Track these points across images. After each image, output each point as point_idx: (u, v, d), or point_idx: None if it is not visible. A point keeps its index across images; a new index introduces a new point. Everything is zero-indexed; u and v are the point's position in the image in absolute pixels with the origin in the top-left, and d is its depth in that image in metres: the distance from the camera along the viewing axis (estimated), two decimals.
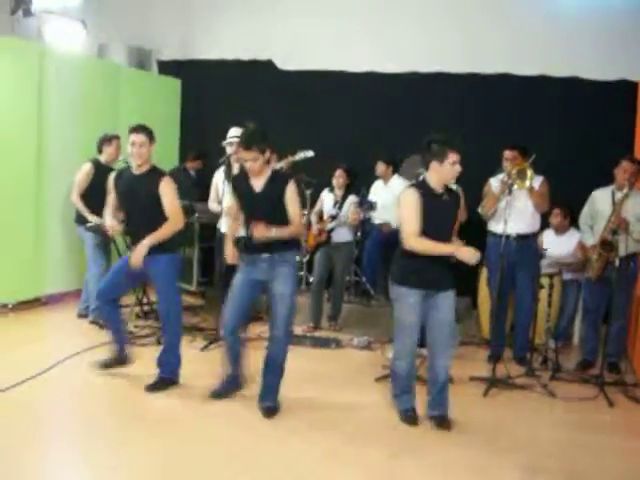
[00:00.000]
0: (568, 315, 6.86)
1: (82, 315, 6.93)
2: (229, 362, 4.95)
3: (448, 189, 4.58)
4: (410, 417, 4.66)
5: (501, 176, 6.07)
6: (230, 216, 4.94)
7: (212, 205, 6.69)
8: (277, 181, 4.66)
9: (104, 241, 6.80)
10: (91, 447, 4.13)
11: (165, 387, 5.09)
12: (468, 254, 4.28)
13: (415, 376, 4.79)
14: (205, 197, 7.04)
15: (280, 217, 4.60)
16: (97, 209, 6.68)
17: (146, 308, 7.05)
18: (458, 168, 4.45)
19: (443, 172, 4.43)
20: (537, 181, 5.93)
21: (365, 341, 6.56)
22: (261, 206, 4.63)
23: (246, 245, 4.71)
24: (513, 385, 5.46)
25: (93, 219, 6.62)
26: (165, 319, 5.22)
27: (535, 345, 5.98)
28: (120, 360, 5.35)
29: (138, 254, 4.87)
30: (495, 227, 6.08)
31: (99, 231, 6.62)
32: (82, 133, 7.57)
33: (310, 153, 6.74)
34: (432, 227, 4.40)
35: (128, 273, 5.03)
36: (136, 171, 5.03)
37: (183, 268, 5.40)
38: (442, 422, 4.59)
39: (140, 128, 5.00)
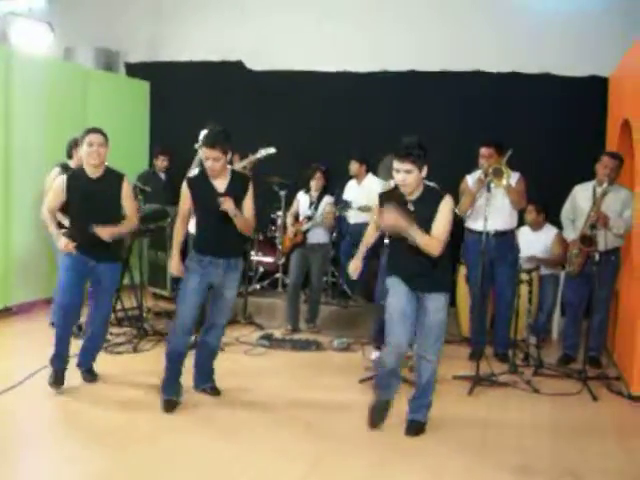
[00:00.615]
0: (547, 310, 6.87)
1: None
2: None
3: (427, 192, 4.33)
4: (373, 411, 4.57)
5: (477, 173, 6.05)
6: (182, 219, 4.84)
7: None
8: (239, 181, 4.77)
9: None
10: (62, 460, 3.99)
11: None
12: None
13: (398, 373, 4.60)
14: (176, 200, 6.91)
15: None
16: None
17: (120, 315, 6.90)
18: (401, 176, 4.18)
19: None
20: (514, 178, 5.93)
21: (345, 343, 6.50)
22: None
23: (199, 247, 4.78)
24: (497, 383, 5.44)
25: (66, 223, 6.45)
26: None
27: (516, 341, 5.97)
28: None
29: (107, 231, 4.84)
30: (473, 224, 6.08)
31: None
32: (49, 137, 7.41)
33: (272, 150, 6.64)
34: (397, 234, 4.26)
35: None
36: (92, 174, 4.92)
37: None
38: (412, 428, 4.47)
39: (96, 129, 4.94)
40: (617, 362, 6.00)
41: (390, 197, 4.38)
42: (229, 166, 4.80)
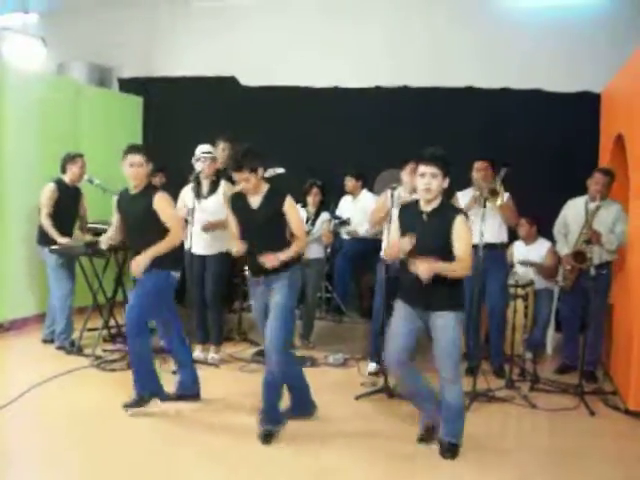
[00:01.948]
0: (542, 325, 6.87)
1: (47, 340, 6.71)
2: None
3: (443, 207, 4.28)
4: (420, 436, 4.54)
5: (469, 192, 6.05)
6: (232, 235, 4.79)
7: None
8: (273, 197, 4.61)
9: (68, 262, 6.60)
10: (55, 477, 3.96)
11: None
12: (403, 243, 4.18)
13: (421, 391, 4.50)
14: None
15: (277, 232, 4.59)
16: (62, 230, 6.51)
17: (114, 331, 6.85)
18: (426, 180, 4.14)
19: (417, 187, 4.28)
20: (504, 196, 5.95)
21: (341, 358, 6.47)
22: (258, 222, 4.57)
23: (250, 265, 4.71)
24: (494, 398, 5.42)
25: (63, 241, 6.42)
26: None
27: (512, 356, 5.96)
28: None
29: (137, 263, 4.75)
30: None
31: (65, 252, 6.43)
32: (42, 152, 7.37)
33: (280, 170, 6.66)
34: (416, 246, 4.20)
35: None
36: (133, 190, 4.99)
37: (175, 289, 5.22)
38: (444, 450, 4.36)
39: (136, 148, 5.03)
40: (613, 377, 5.99)
41: (408, 209, 4.38)
42: (265, 183, 4.66)
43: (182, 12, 9.20)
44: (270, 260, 4.43)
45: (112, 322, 6.85)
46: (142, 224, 4.90)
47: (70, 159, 6.61)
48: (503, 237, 6.14)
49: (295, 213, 4.64)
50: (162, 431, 4.67)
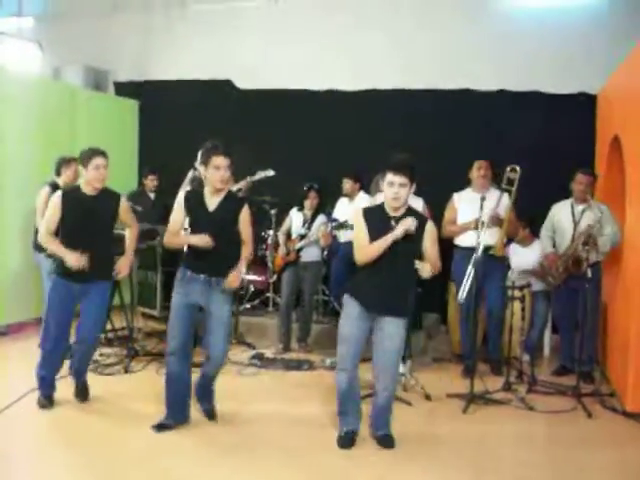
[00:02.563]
0: (539, 326, 6.86)
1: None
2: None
3: (410, 213, 4.36)
4: (343, 440, 4.55)
5: (466, 192, 6.05)
6: (172, 232, 4.73)
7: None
8: (231, 202, 4.68)
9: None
10: None
11: None
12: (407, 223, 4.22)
13: (357, 396, 4.64)
14: (165, 220, 6.88)
15: (228, 237, 4.62)
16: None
17: (110, 335, 6.84)
18: (394, 189, 4.24)
19: (384, 193, 4.36)
20: (504, 204, 5.99)
21: (337, 361, 6.44)
22: (212, 225, 4.57)
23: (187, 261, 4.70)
24: (491, 400, 5.41)
25: None
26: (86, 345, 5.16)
27: (510, 358, 5.94)
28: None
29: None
30: (462, 241, 6.10)
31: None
32: (39, 156, 7.37)
33: (270, 172, 6.63)
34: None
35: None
36: (90, 192, 4.94)
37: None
38: (384, 441, 4.52)
39: (101, 151, 5.02)
40: (610, 378, 5.99)
41: (373, 213, 4.42)
42: (229, 187, 4.75)
43: (178, 15, 9.18)
44: (235, 281, 4.57)
45: (108, 326, 6.83)
46: (105, 225, 5.01)
47: (65, 163, 6.59)
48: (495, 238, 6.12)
49: (248, 221, 4.72)
50: (159, 435, 4.64)
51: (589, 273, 5.51)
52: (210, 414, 4.93)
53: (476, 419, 5.10)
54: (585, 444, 4.71)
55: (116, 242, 5.19)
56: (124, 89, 9.46)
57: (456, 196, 6.23)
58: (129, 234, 5.28)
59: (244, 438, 4.64)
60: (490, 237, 5.90)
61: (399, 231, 4.20)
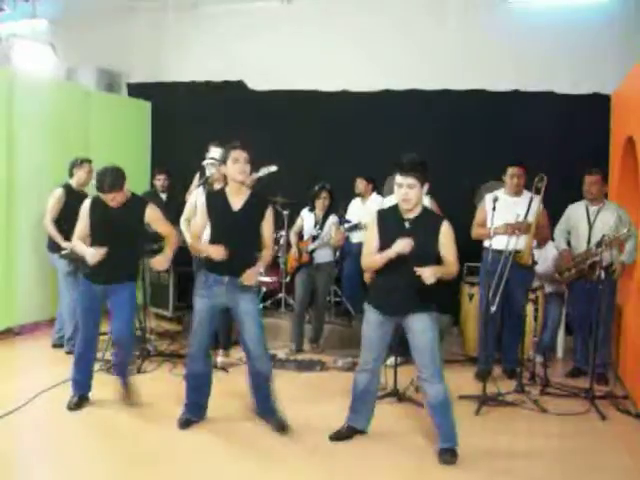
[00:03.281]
0: (552, 328, 6.82)
1: (57, 345, 6.72)
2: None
3: (425, 213, 4.34)
4: (338, 434, 4.61)
5: (499, 192, 6.00)
6: (193, 233, 4.78)
7: (184, 225, 6.45)
8: (256, 202, 4.64)
9: (78, 268, 6.60)
10: None
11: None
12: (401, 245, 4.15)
13: (372, 398, 4.66)
14: (177, 220, 6.89)
15: (252, 237, 4.63)
16: (69, 234, 6.50)
17: None
18: (403, 191, 4.19)
19: (396, 196, 4.31)
20: (536, 205, 5.89)
21: (349, 362, 6.44)
22: (237, 225, 4.58)
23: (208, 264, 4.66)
24: (504, 402, 5.39)
25: (67, 245, 6.44)
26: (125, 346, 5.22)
27: (522, 360, 5.91)
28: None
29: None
30: (492, 243, 5.94)
31: (74, 258, 6.44)
32: (52, 157, 7.40)
33: (273, 168, 6.60)
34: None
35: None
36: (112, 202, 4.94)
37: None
38: (442, 457, 4.34)
39: (107, 186, 4.87)
40: (624, 380, 5.94)
41: (388, 215, 4.38)
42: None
43: (190, 17, 9.22)
44: (251, 278, 4.54)
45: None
46: (129, 234, 5.01)
47: (77, 164, 6.63)
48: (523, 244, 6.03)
49: (271, 223, 4.69)
50: (171, 436, 4.66)
51: (602, 275, 5.47)
52: (279, 425, 4.78)
53: (488, 421, 5.08)
54: (598, 446, 4.68)
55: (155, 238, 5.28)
56: (137, 91, 9.50)
57: (488, 198, 6.02)
58: (167, 242, 5.26)
59: (257, 439, 4.64)
60: (520, 242, 5.81)
61: (392, 252, 4.15)
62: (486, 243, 5.96)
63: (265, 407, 4.85)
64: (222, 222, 4.61)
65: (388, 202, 5.81)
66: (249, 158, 4.52)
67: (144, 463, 4.23)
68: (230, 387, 5.60)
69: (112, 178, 4.78)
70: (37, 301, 7.41)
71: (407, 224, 4.26)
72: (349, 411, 4.68)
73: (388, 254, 4.17)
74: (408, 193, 4.18)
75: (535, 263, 6.16)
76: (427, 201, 6.13)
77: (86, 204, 5.04)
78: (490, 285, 5.59)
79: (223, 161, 4.58)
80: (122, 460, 4.25)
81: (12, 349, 6.83)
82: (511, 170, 6.02)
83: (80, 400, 5.11)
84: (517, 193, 6.01)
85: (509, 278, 5.64)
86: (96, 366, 6.03)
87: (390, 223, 4.33)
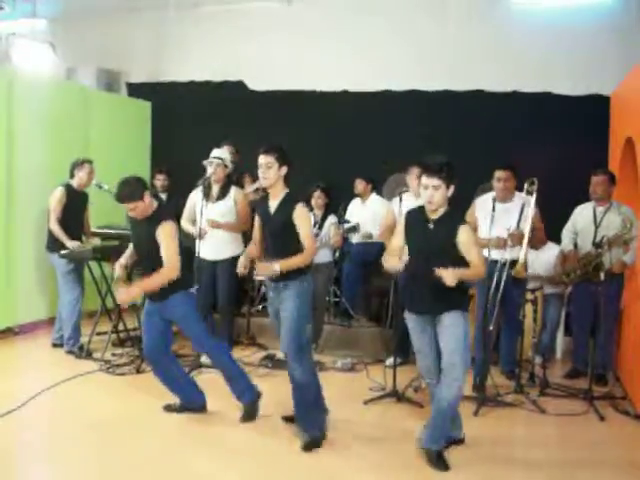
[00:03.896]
0: (551, 329, 6.84)
1: (57, 344, 6.73)
2: None
3: (448, 214, 4.27)
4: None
5: (487, 196, 5.86)
6: (254, 240, 4.82)
7: (185, 225, 6.47)
8: (288, 203, 4.53)
9: (77, 267, 6.62)
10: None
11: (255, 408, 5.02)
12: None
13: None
14: (176, 220, 6.88)
15: (286, 240, 4.49)
16: (71, 234, 6.53)
17: (123, 335, 6.86)
18: (429, 192, 4.15)
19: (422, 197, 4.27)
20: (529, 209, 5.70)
21: (349, 363, 6.45)
22: (273, 227, 4.55)
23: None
24: (503, 403, 5.40)
25: (71, 245, 6.44)
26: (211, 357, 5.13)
27: (521, 361, 5.92)
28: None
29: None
30: (488, 254, 5.89)
31: (74, 257, 6.45)
32: (52, 157, 7.40)
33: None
34: (415, 253, 4.28)
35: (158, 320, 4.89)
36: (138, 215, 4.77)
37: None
38: (430, 458, 4.28)
39: (124, 198, 4.64)
40: (623, 381, 5.96)
41: (415, 215, 4.36)
42: (285, 188, 4.58)
43: (190, 17, 9.22)
44: (263, 269, 4.42)
45: (121, 326, 6.86)
46: (145, 250, 4.75)
47: (78, 165, 6.63)
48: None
49: (305, 223, 4.50)
50: (170, 435, 4.67)
51: (602, 276, 5.48)
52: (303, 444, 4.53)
53: (487, 421, 5.09)
54: (597, 447, 4.69)
55: None
56: (136, 90, 9.50)
57: (478, 203, 5.95)
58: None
59: (253, 437, 4.65)
60: (515, 251, 5.64)
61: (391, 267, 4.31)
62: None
63: (296, 415, 4.71)
64: (264, 227, 4.63)
65: (409, 202, 5.71)
66: (274, 160, 4.45)
67: (143, 463, 4.23)
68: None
69: (130, 188, 4.60)
70: (37, 301, 7.41)
71: (431, 225, 4.25)
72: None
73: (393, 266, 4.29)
74: (434, 195, 4.14)
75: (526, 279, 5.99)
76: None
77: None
78: (488, 299, 5.54)
79: (263, 151, 4.52)
80: (121, 460, 4.25)
81: (12, 349, 6.83)
82: (497, 173, 5.76)
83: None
84: (506, 198, 5.77)
85: (506, 283, 5.57)
86: (95, 366, 6.10)
87: (415, 223, 4.32)
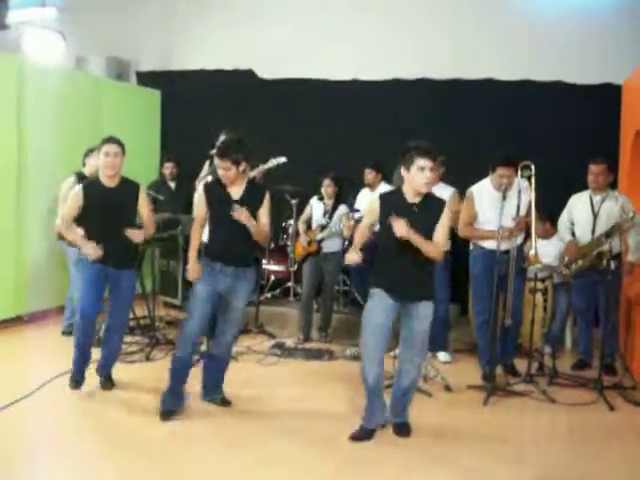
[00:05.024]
0: (560, 319, 6.81)
1: (66, 332, 6.75)
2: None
3: (428, 198, 4.33)
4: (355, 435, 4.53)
5: (486, 190, 5.72)
6: (198, 224, 4.85)
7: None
8: (255, 190, 4.75)
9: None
10: (76, 467, 3.99)
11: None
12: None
13: (381, 387, 4.58)
14: (187, 208, 6.90)
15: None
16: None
17: (132, 323, 6.87)
18: (427, 174, 4.20)
19: (410, 179, 4.26)
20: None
21: (357, 352, 6.44)
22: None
23: (209, 253, 4.76)
24: (512, 392, 5.39)
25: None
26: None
27: (531, 351, 5.90)
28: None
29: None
30: (484, 243, 5.78)
31: None
32: (62, 146, 7.42)
33: (282, 159, 6.59)
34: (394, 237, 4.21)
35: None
36: (108, 184, 4.95)
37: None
38: (400, 430, 4.55)
39: (113, 139, 4.96)
40: (632, 371, 5.93)
41: (392, 199, 4.38)
42: (247, 175, 4.79)
43: (200, 5, 9.20)
44: (243, 215, 4.51)
45: (130, 314, 6.86)
46: (122, 217, 4.98)
47: (89, 154, 6.63)
48: (520, 240, 5.80)
49: (268, 209, 4.77)
50: (179, 423, 4.68)
51: (612, 265, 5.46)
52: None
53: (497, 411, 5.08)
54: (606, 436, 4.68)
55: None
56: (146, 79, 9.49)
57: (476, 193, 5.79)
58: (144, 229, 5.17)
59: (262, 427, 4.66)
60: (517, 240, 5.63)
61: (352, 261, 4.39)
62: (485, 243, 5.73)
63: (211, 391, 5.04)
64: (223, 212, 4.63)
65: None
66: (232, 164, 4.58)
67: (150, 452, 4.25)
68: (239, 375, 5.62)
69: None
70: (47, 289, 7.43)
71: (415, 208, 4.28)
72: (364, 413, 4.58)
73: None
74: (430, 177, 4.24)
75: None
76: (449, 194, 6.05)
77: (76, 188, 5.04)
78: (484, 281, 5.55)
79: (218, 155, 4.66)
80: (131, 447, 4.27)
81: (22, 337, 6.86)
82: (500, 170, 5.52)
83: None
84: (507, 190, 5.55)
85: (504, 275, 5.54)
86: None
87: (394, 206, 4.29)
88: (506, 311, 5.52)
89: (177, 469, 4.01)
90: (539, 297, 6.03)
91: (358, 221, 6.88)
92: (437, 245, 4.27)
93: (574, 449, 4.48)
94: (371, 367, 4.43)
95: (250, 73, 9.03)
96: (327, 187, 6.91)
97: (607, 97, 7.53)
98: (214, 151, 6.19)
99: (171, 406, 4.75)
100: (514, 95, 7.90)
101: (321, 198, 7.02)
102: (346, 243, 7.42)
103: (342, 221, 6.80)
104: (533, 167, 5.48)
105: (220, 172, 4.64)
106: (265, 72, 8.99)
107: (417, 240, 4.15)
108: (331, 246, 6.95)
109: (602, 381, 5.40)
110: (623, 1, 7.57)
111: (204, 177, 6.44)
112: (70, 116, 7.68)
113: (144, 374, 5.64)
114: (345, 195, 7.18)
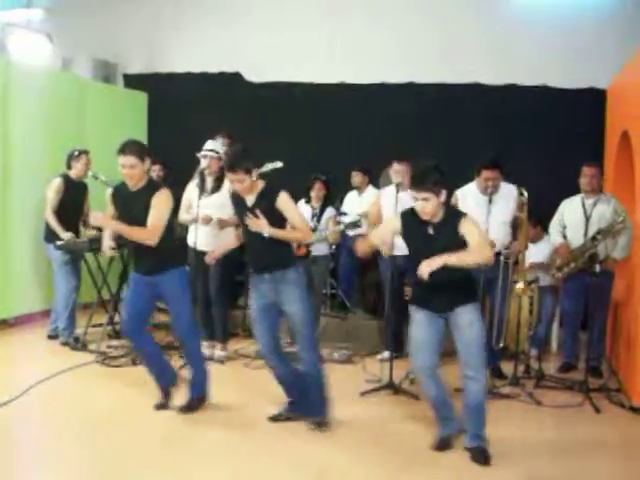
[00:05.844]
0: (546, 321, 6.85)
1: (52, 336, 6.73)
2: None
3: (445, 214, 4.17)
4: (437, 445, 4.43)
5: (471, 193, 5.73)
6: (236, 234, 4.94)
7: (183, 215, 6.45)
8: (267, 193, 4.55)
9: (74, 259, 6.62)
10: (64, 469, 3.97)
11: (199, 406, 4.96)
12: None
13: (445, 399, 4.46)
14: (173, 212, 6.87)
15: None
16: (69, 225, 6.53)
17: (118, 327, 6.85)
18: (419, 204, 4.06)
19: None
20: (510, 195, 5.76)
21: (345, 355, 6.47)
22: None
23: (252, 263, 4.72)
24: (498, 395, 5.41)
25: (66, 236, 6.44)
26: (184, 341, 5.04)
27: (517, 353, 5.93)
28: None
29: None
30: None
31: (70, 249, 6.44)
32: (48, 148, 7.39)
33: (279, 164, 6.61)
34: (416, 255, 4.14)
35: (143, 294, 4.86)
36: (132, 188, 4.76)
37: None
38: (476, 457, 4.26)
39: (126, 149, 4.62)
40: (618, 374, 5.98)
41: (411, 218, 4.23)
42: (261, 181, 4.59)
43: (187, 8, 9.20)
44: (257, 223, 4.41)
45: (116, 318, 6.85)
46: (144, 221, 4.69)
47: (74, 157, 6.63)
48: (507, 241, 5.84)
49: (291, 208, 4.56)
50: (166, 427, 4.67)
51: (597, 268, 5.49)
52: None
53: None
54: (592, 439, 4.70)
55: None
56: (133, 81, 9.47)
57: (460, 196, 5.77)
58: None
59: (249, 431, 4.67)
60: (500, 243, 5.62)
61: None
62: None
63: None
64: (242, 222, 4.60)
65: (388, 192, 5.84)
66: (243, 175, 4.42)
67: (139, 455, 4.24)
68: (226, 380, 5.61)
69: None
70: (32, 292, 7.40)
71: (430, 230, 4.17)
72: (436, 422, 4.49)
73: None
74: (425, 207, 4.06)
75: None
76: (512, 190, 5.82)
77: (107, 193, 5.04)
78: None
79: (229, 169, 4.49)
80: (117, 452, 4.26)
81: (7, 340, 6.83)
82: (485, 173, 5.54)
83: None
84: (493, 193, 5.57)
85: (489, 278, 5.57)
86: (91, 358, 6.10)
87: (412, 227, 4.22)
88: (495, 335, 5.54)
89: (161, 470, 4.00)
90: (525, 299, 6.05)
91: (349, 226, 6.88)
92: (473, 252, 4.00)
93: (560, 451, 4.50)
94: (425, 385, 4.39)
95: (237, 76, 9.04)
96: (318, 190, 6.91)
97: (592, 101, 7.60)
98: (202, 153, 6.24)
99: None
100: (499, 99, 7.96)
101: (308, 201, 7.02)
102: (333, 247, 7.44)
103: (329, 225, 6.80)
104: (526, 193, 5.58)
105: (235, 186, 4.49)
106: (252, 75, 9.01)
107: (450, 260, 3.94)
108: (319, 249, 6.93)
109: (588, 383, 5.43)
110: (607, 7, 7.65)
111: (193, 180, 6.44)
112: (56, 118, 7.65)
113: (130, 378, 5.61)
114: (332, 198, 7.19)
